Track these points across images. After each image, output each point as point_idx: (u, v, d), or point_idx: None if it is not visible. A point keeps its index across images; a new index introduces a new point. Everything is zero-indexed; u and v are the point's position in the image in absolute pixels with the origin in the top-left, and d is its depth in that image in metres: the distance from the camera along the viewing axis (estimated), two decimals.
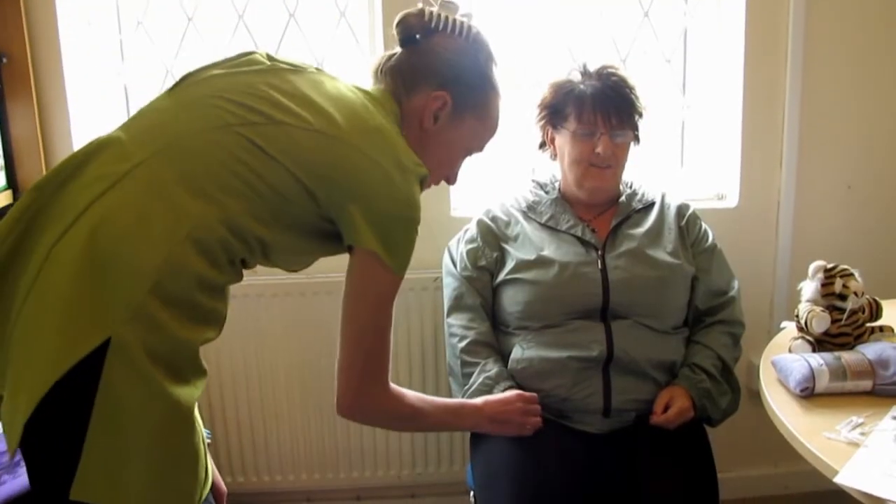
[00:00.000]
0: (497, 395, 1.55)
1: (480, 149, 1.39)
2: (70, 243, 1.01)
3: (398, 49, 1.31)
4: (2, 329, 1.05)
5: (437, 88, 1.27)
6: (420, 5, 1.30)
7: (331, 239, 1.20)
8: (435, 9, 1.30)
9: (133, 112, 1.20)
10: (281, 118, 1.12)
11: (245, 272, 1.19)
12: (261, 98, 1.13)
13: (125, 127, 1.14)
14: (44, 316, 1.00)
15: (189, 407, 1.06)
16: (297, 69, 1.22)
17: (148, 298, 1.00)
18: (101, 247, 1.00)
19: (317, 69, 1.26)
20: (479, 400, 1.54)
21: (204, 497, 1.11)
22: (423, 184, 1.21)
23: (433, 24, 1.28)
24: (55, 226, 1.04)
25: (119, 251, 1.01)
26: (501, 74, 1.36)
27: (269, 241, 1.13)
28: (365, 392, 1.25)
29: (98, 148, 1.11)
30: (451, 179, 1.40)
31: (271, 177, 1.10)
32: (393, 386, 1.30)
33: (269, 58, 1.23)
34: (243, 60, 1.21)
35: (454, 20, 1.29)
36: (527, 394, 1.56)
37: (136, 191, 1.05)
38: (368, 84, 1.32)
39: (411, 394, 1.37)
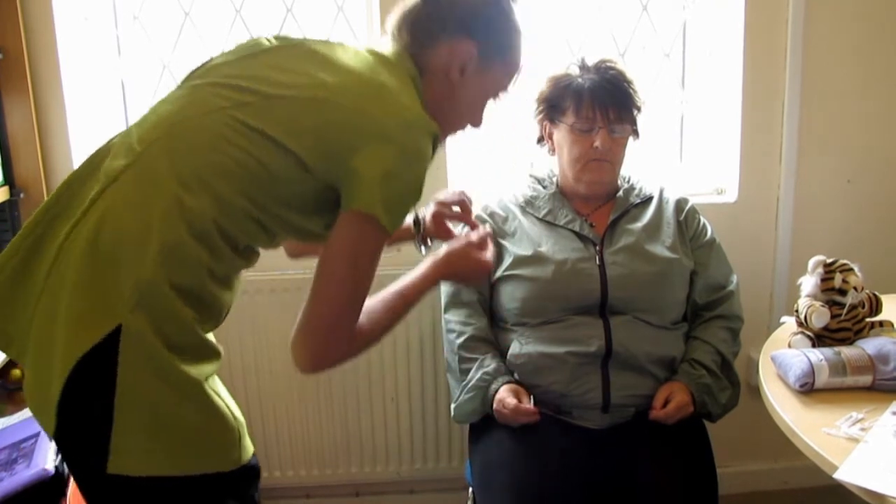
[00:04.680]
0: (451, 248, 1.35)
1: (506, 91, 1.29)
2: (77, 238, 1.05)
3: (414, 0, 1.23)
4: (23, 314, 1.08)
5: (461, 38, 1.19)
6: None
7: (333, 209, 1.13)
8: None
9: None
10: (272, 92, 1.10)
11: (245, 271, 1.19)
12: (255, 78, 1.13)
13: (139, 121, 1.16)
14: (56, 307, 1.04)
15: (200, 381, 1.07)
16: (299, 44, 1.19)
17: (152, 285, 1.02)
18: (103, 240, 1.04)
19: (326, 40, 1.21)
20: (428, 262, 1.32)
21: (248, 460, 1.13)
22: (437, 139, 1.13)
23: None
24: (69, 220, 1.08)
25: (120, 243, 1.04)
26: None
27: (266, 223, 1.12)
28: (334, 347, 1.14)
29: (114, 143, 1.14)
30: (476, 124, 1.31)
31: (263, 156, 1.08)
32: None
33: (278, 38, 1.21)
34: (246, 45, 1.20)
35: None
36: (476, 235, 1.37)
37: (132, 183, 1.07)
38: (386, 47, 1.23)
39: (363, 318, 1.18)
